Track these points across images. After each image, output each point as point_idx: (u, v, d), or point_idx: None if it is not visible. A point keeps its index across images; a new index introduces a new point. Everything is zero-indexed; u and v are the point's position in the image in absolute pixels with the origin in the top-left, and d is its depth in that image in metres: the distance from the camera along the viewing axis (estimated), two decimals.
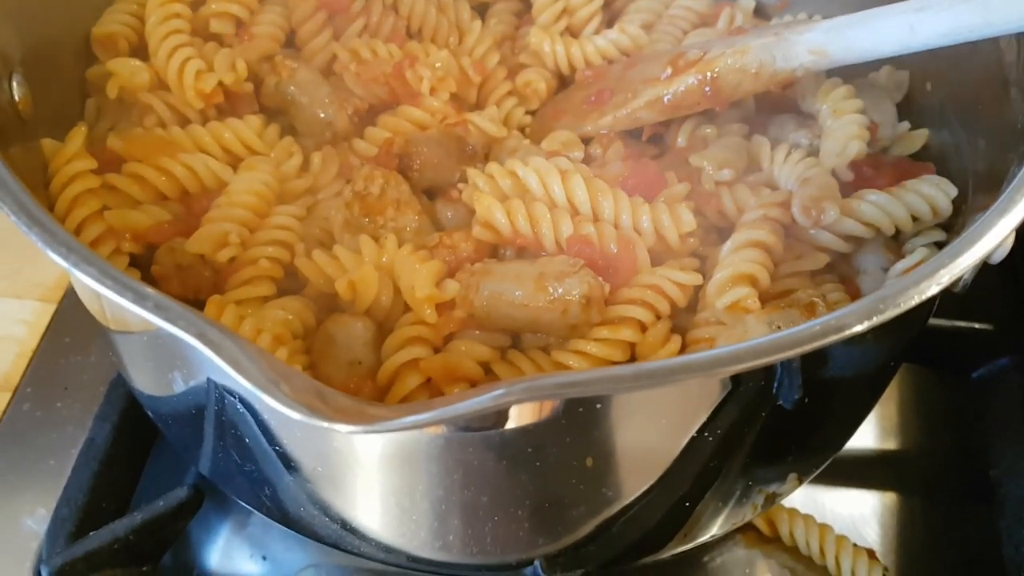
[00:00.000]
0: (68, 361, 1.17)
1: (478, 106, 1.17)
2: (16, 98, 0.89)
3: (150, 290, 0.62)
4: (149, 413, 1.01)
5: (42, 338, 1.20)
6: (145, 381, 0.95)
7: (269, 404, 0.53)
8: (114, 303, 0.62)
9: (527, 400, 0.57)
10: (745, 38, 0.98)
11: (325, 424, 0.53)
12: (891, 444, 1.22)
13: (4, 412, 1.13)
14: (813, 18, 1.19)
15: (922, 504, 1.16)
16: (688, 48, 1.02)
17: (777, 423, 0.81)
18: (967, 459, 1.18)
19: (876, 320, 0.59)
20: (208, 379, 0.79)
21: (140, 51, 1.05)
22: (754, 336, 0.80)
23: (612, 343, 0.85)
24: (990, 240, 0.66)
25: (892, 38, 0.87)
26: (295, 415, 0.53)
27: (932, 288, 0.62)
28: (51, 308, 1.23)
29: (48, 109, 0.96)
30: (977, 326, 1.15)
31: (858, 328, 0.59)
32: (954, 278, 0.63)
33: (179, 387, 0.85)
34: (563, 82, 1.20)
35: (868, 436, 1.21)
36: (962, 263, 0.64)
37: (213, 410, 0.84)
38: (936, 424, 1.21)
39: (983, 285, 0.81)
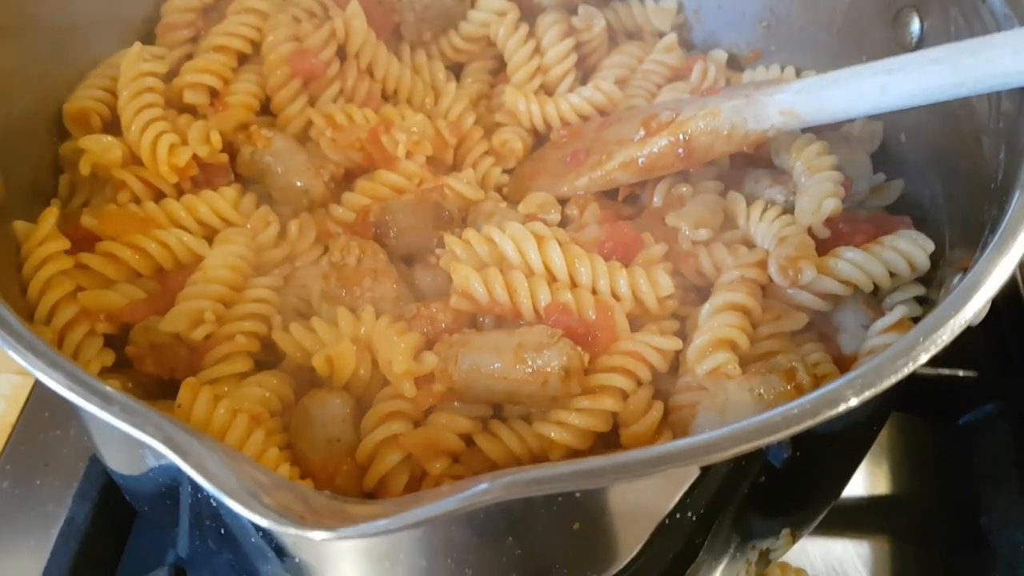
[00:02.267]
0: (47, 436, 1.15)
1: (455, 167, 1.17)
2: None
3: (117, 393, 0.61)
4: (124, 494, 1.00)
5: (21, 413, 1.18)
6: (116, 459, 0.93)
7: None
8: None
9: (509, 497, 0.56)
10: (716, 99, 0.99)
11: (307, 533, 0.52)
12: (880, 491, 1.21)
13: None
14: (785, 70, 1.21)
15: (914, 551, 1.15)
16: (660, 110, 1.02)
17: (768, 481, 0.81)
18: (957, 505, 1.17)
19: (860, 399, 0.59)
20: None
21: (113, 125, 1.04)
22: (735, 403, 0.80)
23: (594, 413, 0.84)
24: (972, 307, 0.66)
25: (863, 99, 0.88)
26: (274, 526, 0.52)
27: (911, 365, 0.62)
28: (30, 382, 1.21)
29: (21, 186, 0.96)
30: (962, 373, 1.14)
31: (844, 407, 0.58)
32: (937, 350, 0.63)
33: (150, 464, 0.83)
34: (539, 139, 1.21)
35: (857, 484, 1.20)
36: (945, 333, 0.64)
37: (187, 493, 0.83)
38: (924, 471, 1.21)
39: (966, 333, 0.81)
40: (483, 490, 0.57)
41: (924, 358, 0.62)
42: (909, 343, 0.63)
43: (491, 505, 0.73)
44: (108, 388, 0.61)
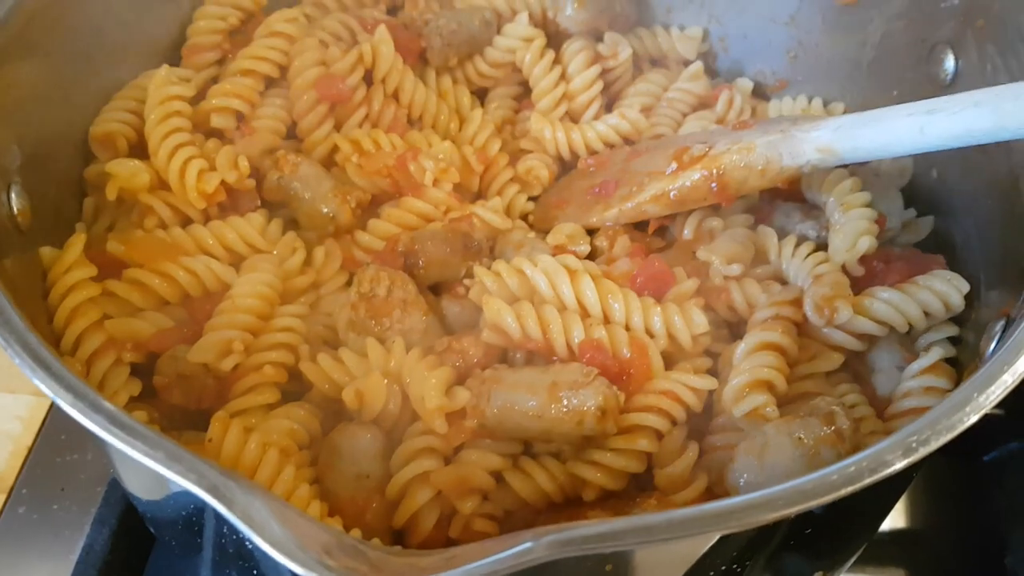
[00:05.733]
0: (64, 460, 1.13)
1: (480, 193, 1.16)
2: (15, 210, 0.87)
3: (162, 438, 0.59)
4: (146, 521, 0.98)
5: (37, 435, 1.16)
6: (137, 484, 0.92)
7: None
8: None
9: (556, 556, 0.55)
10: (750, 134, 0.98)
11: None
12: (904, 528, 1.20)
13: None
14: (813, 101, 1.20)
15: None
16: (693, 143, 1.01)
17: (805, 526, 0.79)
18: (980, 543, 1.16)
19: (912, 459, 0.58)
20: None
21: (139, 148, 1.03)
22: (774, 447, 0.79)
23: (629, 453, 0.83)
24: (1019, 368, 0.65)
25: (901, 139, 0.87)
26: None
27: (970, 419, 0.61)
28: (46, 403, 1.19)
29: (45, 209, 0.94)
30: (988, 411, 1.13)
31: (894, 468, 0.58)
32: (984, 411, 0.62)
33: (174, 489, 0.81)
34: (564, 166, 1.20)
35: None
36: (991, 395, 0.63)
37: (212, 521, 0.81)
38: (948, 507, 1.20)
39: None
40: (530, 547, 0.56)
41: (978, 415, 0.62)
42: (965, 397, 0.62)
43: None
44: (152, 432, 0.60)
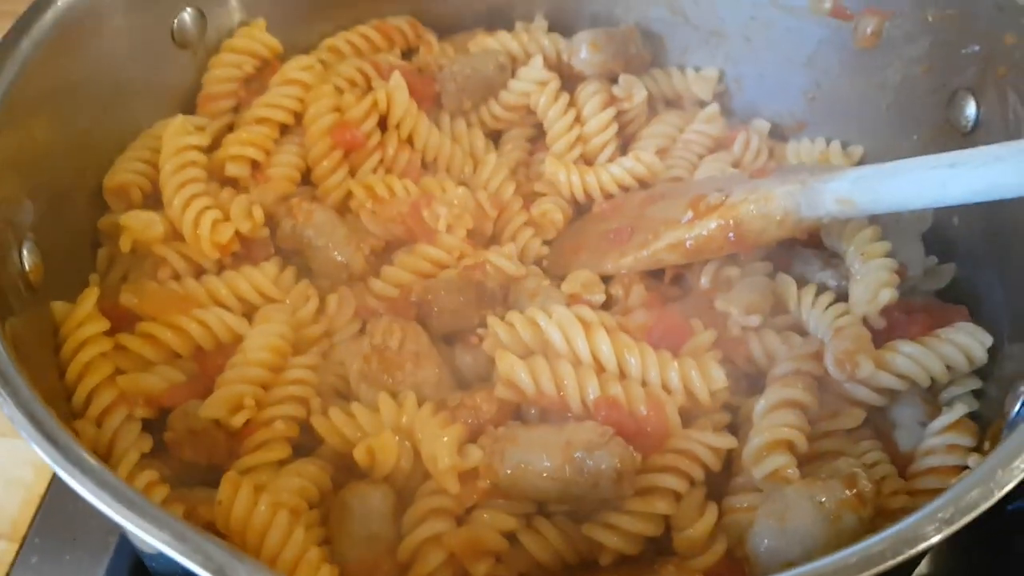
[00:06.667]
0: (77, 507, 1.12)
1: (494, 237, 1.15)
2: (27, 267, 0.87)
3: (170, 517, 0.58)
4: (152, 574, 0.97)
5: (50, 482, 1.16)
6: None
7: None
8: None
9: None
10: (768, 183, 0.96)
11: None
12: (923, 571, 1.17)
13: (11, 565, 1.09)
14: (831, 143, 1.19)
15: None
16: (709, 190, 1.00)
17: None
18: None
19: (947, 532, 0.56)
20: None
21: (153, 197, 1.03)
22: (795, 511, 0.77)
23: (646, 516, 0.82)
24: None
25: (922, 193, 0.85)
26: None
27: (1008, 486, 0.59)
28: None
29: (57, 260, 0.94)
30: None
31: (932, 542, 0.56)
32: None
33: None
34: (578, 209, 1.19)
35: None
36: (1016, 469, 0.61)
37: None
38: (970, 557, 1.17)
39: None
40: None
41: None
42: (998, 463, 0.61)
43: None
44: (158, 510, 0.59)
